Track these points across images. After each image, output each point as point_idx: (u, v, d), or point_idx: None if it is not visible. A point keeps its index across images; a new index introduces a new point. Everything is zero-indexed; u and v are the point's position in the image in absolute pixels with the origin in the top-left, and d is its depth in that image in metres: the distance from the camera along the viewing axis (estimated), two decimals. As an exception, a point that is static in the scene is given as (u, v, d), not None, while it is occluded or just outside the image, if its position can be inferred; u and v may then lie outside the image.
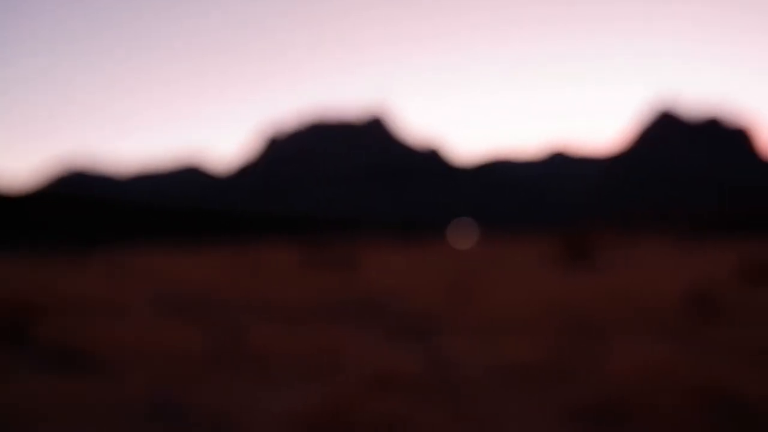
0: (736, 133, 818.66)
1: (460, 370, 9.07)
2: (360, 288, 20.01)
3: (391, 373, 8.70)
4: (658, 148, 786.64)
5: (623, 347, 11.25)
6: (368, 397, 7.80)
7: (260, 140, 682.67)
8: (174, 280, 24.95)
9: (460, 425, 6.98)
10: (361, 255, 40.70)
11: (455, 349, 10.42)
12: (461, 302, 16.93)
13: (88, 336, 11.76)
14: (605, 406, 7.65)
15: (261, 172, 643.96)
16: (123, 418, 7.35)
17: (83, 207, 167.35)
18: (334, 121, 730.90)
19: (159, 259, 43.82)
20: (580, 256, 37.50)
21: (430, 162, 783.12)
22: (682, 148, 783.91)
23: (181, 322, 13.64)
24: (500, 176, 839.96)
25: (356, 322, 14.00)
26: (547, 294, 18.36)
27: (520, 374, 9.34)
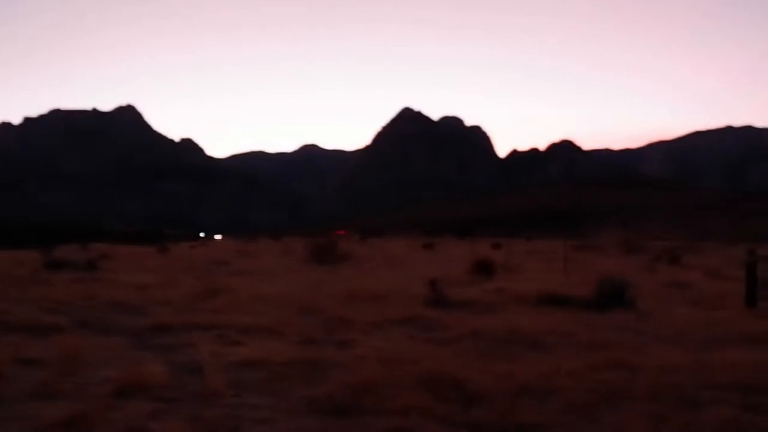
0: (474, 140, 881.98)
1: (206, 373, 9.03)
2: (101, 295, 19.06)
3: (134, 381, 8.47)
4: (404, 151, 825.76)
5: (366, 341, 11.84)
6: (109, 407, 7.56)
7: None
8: None
9: (200, 430, 6.99)
10: (104, 259, 38.73)
11: (202, 352, 10.34)
12: (209, 304, 16.78)
13: None
14: (346, 399, 8.04)
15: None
16: None
17: None
18: (81, 119, 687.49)
19: None
20: (328, 255, 38.42)
21: (182, 160, 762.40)
22: (425, 152, 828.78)
23: None
24: (253, 173, 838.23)
25: (99, 329, 13.39)
26: (295, 292, 18.72)
27: (266, 372, 9.51)
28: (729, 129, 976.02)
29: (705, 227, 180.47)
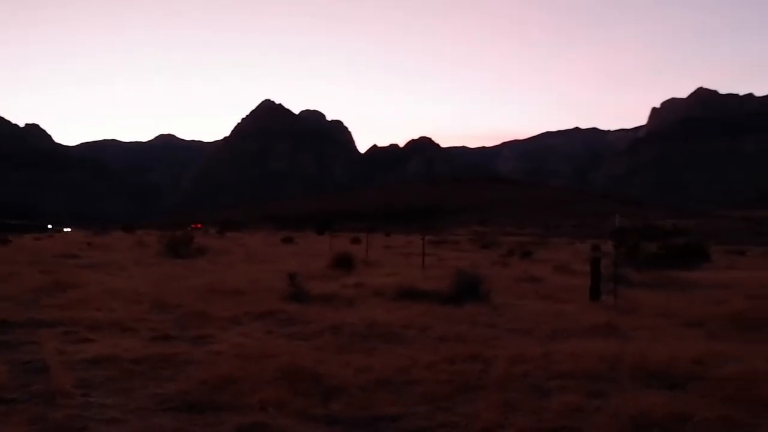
0: (335, 135, 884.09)
1: (51, 372, 8.57)
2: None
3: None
4: (264, 144, 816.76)
5: (223, 336, 11.61)
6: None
7: None
8: None
9: None
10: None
11: (47, 349, 9.81)
12: (56, 299, 15.93)
13: None
14: (201, 395, 7.85)
15: None
16: None
17: None
18: None
19: None
20: (184, 248, 37.49)
21: (27, 146, 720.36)
22: (285, 146, 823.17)
23: None
24: (104, 161, 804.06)
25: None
26: (148, 287, 18.11)
27: (117, 370, 9.12)
28: (576, 130, 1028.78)
29: (555, 224, 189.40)
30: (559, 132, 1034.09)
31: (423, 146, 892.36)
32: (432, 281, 19.69)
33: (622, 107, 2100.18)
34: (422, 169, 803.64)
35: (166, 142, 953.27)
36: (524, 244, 60.43)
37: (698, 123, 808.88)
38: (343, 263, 26.95)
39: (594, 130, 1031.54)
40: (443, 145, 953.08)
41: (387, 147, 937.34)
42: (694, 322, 14.19)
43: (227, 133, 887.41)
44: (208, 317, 13.65)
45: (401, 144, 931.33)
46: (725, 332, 13.06)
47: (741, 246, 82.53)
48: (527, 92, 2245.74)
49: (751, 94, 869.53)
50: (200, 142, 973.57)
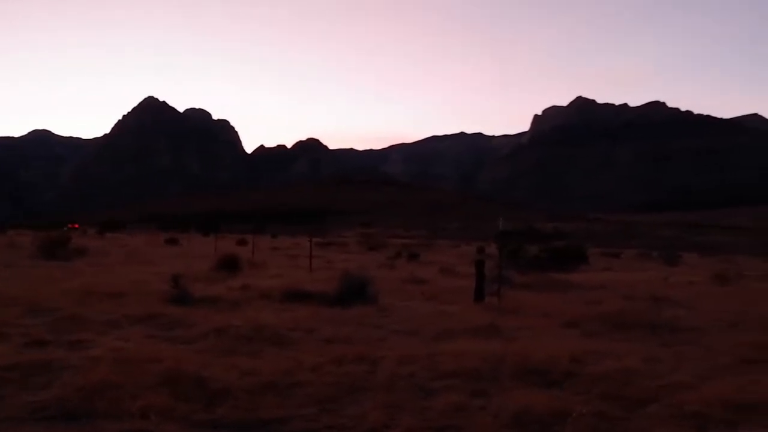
0: (220, 134, 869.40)
1: None
2: None
3: None
4: (146, 142, 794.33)
5: (102, 341, 11.17)
6: None
7: None
8: None
9: None
10: None
11: None
12: None
13: None
14: (78, 402, 7.52)
15: None
16: None
17: None
18: None
19: None
20: (61, 249, 36.01)
21: None
22: (168, 144, 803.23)
23: None
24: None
25: None
26: (21, 290, 17.25)
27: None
28: (462, 135, 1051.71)
29: (441, 226, 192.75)
30: (445, 136, 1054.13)
31: (310, 147, 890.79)
32: (319, 283, 19.64)
33: (507, 113, 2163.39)
34: (309, 170, 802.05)
35: (40, 138, 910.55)
36: (411, 247, 61.23)
37: (577, 130, 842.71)
38: (229, 265, 26.51)
39: (479, 135, 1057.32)
40: (331, 146, 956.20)
41: (274, 148, 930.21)
42: (572, 322, 14.72)
43: (107, 131, 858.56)
44: (86, 321, 13.10)
45: (288, 145, 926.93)
46: (601, 331, 13.64)
47: (616, 248, 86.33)
48: (415, 96, 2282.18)
49: (626, 104, 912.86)
50: (79, 139, 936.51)
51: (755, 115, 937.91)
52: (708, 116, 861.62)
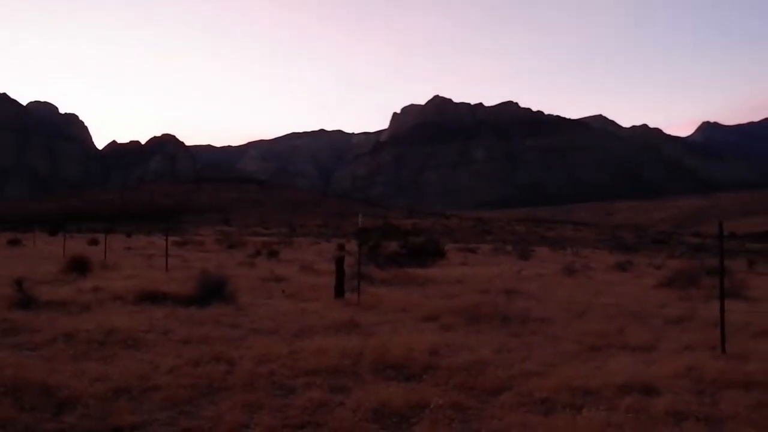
0: (69, 129, 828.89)
1: None
2: None
3: None
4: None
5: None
6: None
7: None
8: None
9: None
10: None
11: None
12: None
13: None
14: None
15: None
16: None
17: None
18: None
19: None
20: None
21: None
22: (11, 140, 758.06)
23: None
24: None
25: None
26: None
27: None
28: (322, 132, 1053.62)
29: (301, 224, 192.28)
30: (305, 133, 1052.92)
31: (166, 144, 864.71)
32: (175, 283, 19.09)
33: (366, 111, 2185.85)
34: (165, 167, 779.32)
35: None
36: (270, 244, 60.72)
37: (434, 128, 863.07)
38: (79, 266, 25.29)
39: (339, 132, 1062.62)
40: (187, 143, 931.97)
41: (127, 144, 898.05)
42: (430, 316, 15.03)
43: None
44: None
45: (143, 141, 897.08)
46: (457, 324, 14.02)
47: (472, 244, 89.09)
48: (274, 93, 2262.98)
49: (481, 104, 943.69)
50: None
51: (600, 116, 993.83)
52: (557, 116, 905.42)
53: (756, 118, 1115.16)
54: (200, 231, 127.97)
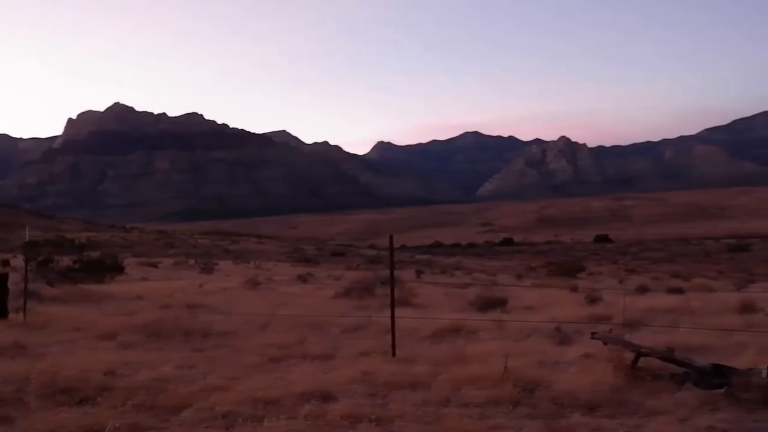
0: None
1: None
2: None
3: None
4: None
5: None
6: None
7: None
8: None
9: None
10: None
11: None
12: None
13: None
14: None
15: None
16: None
17: None
18: None
19: None
20: None
21: None
22: None
23: None
24: None
25: None
26: None
27: None
28: None
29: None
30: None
31: None
32: None
33: (37, 115, 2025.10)
34: None
35: None
36: None
37: (114, 137, 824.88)
38: None
39: (5, 136, 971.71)
40: None
41: None
42: (107, 334, 14.35)
43: None
44: None
45: None
46: (137, 342, 13.54)
47: (154, 258, 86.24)
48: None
49: (165, 114, 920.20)
50: None
51: (284, 131, 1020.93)
52: (242, 130, 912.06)
53: (424, 140, 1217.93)
54: None
